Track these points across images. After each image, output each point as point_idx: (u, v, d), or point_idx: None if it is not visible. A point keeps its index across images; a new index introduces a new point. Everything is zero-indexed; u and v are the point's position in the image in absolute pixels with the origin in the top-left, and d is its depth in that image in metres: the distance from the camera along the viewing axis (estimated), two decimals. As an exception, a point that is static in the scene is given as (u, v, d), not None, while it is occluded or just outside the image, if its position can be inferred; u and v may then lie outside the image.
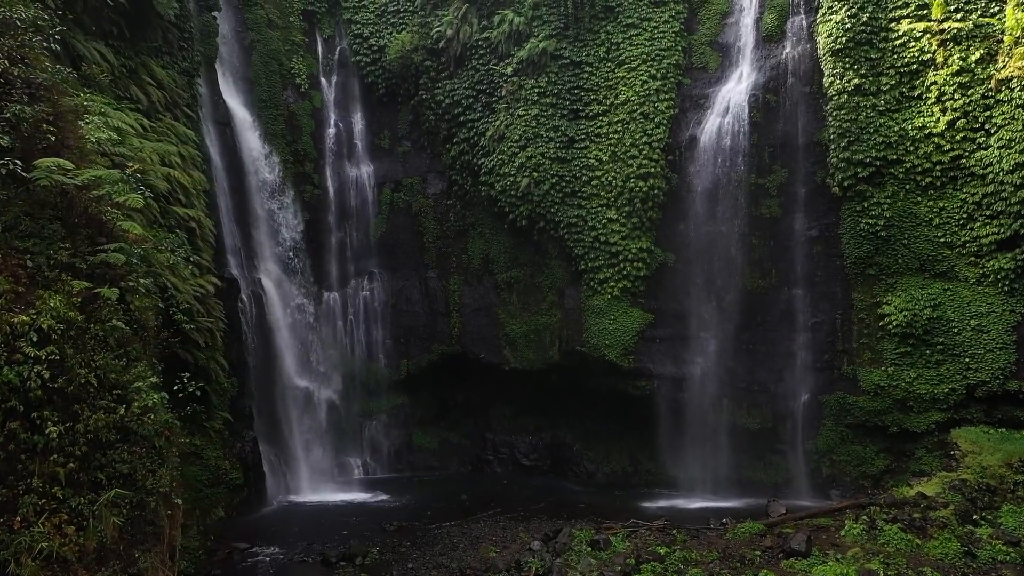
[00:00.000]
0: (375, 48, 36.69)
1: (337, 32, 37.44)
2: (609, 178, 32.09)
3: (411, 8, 36.61)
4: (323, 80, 36.94)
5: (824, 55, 29.57)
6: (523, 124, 33.21)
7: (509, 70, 33.87)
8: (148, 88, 23.72)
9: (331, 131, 36.74)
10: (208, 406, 24.84)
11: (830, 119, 29.31)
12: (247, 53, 34.12)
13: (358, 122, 37.37)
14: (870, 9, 28.77)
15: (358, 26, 36.89)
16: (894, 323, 27.92)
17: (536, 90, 33.34)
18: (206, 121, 29.82)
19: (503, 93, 34.11)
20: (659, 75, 32.18)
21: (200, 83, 29.54)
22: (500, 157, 33.46)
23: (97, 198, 12.43)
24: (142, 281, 13.16)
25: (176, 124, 25.07)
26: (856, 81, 28.71)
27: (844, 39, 28.94)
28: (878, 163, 28.40)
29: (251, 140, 32.35)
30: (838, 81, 29.11)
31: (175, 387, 14.35)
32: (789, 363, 30.35)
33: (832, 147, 29.23)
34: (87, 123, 13.36)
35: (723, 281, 31.22)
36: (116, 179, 12.58)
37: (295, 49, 35.85)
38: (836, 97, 29.10)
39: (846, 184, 28.92)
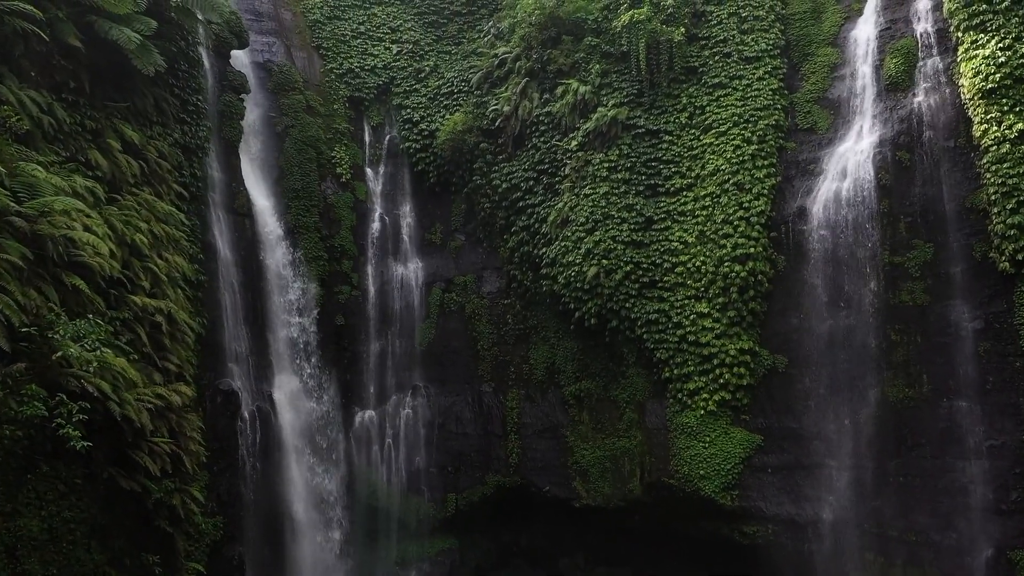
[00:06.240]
0: (426, 133, 32.59)
1: (387, 120, 33.72)
2: (697, 263, 25.95)
3: (466, 88, 32.66)
4: (369, 170, 32.88)
5: (971, 99, 23.23)
6: (590, 204, 27.75)
7: (574, 144, 28.86)
8: (115, 155, 19.58)
9: (375, 225, 32.26)
10: (168, 555, 19.05)
11: (988, 176, 22.55)
12: (279, 139, 30.50)
13: (407, 215, 32.85)
14: (1029, 37, 22.36)
15: (408, 111, 33.04)
16: (1116, 447, 19.78)
17: (606, 165, 28.05)
18: (216, 207, 25.79)
19: (567, 171, 28.93)
20: (755, 138, 26.45)
21: (211, 165, 25.73)
22: (564, 244, 27.87)
23: None
24: None
25: (156, 201, 20.78)
26: (1020, 126, 22.07)
27: (998, 76, 22.65)
28: (1064, 228, 21.16)
29: (273, 233, 28.12)
30: (995, 128, 22.55)
31: None
32: (959, 503, 22.27)
33: (995, 211, 22.29)
34: None
35: (854, 391, 24.09)
36: None
37: (338, 137, 32.08)
38: (994, 148, 22.47)
39: (1020, 258, 21.63)
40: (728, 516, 25.27)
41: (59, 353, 13.71)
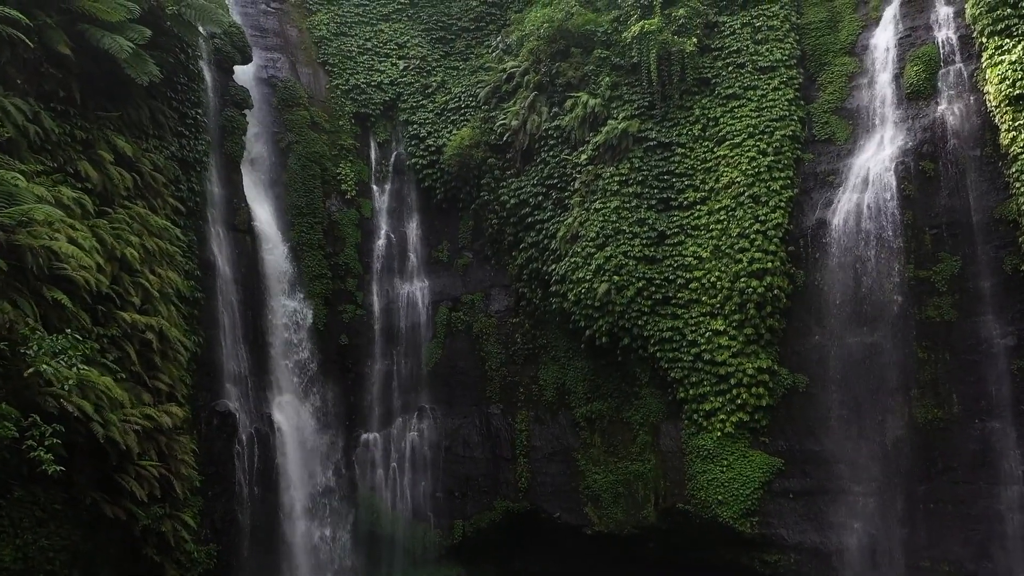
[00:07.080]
0: (433, 149, 31.86)
1: (393, 136, 33.02)
2: (712, 279, 24.95)
3: (473, 104, 31.97)
4: (375, 187, 32.16)
5: (998, 106, 22.35)
6: (601, 219, 26.85)
7: (583, 158, 28.05)
8: (107, 167, 18.92)
9: (381, 243, 31.47)
10: (156, 586, 18.11)
11: (1017, 186, 21.61)
12: (283, 156, 29.87)
13: (413, 232, 32.03)
14: (1058, 40, 21.45)
15: (415, 127, 32.36)
16: None
17: (616, 179, 27.18)
18: (216, 223, 25.11)
19: (577, 186, 28.09)
20: (771, 150, 25.55)
21: (211, 180, 25.11)
22: (573, 260, 26.94)
23: None
24: None
25: (149, 215, 20.09)
26: (1050, 133, 21.00)
27: (1025, 81, 21.60)
28: (1100, 238, 20.07)
29: (275, 250, 27.40)
30: (1023, 136, 21.47)
31: None
32: (995, 531, 20.97)
33: (1025, 222, 21.20)
34: None
35: (880, 411, 22.89)
36: None
37: (343, 154, 31.43)
38: (1023, 156, 21.36)
39: (1054, 271, 20.57)
40: (748, 544, 23.97)
41: (31, 369, 12.89)
